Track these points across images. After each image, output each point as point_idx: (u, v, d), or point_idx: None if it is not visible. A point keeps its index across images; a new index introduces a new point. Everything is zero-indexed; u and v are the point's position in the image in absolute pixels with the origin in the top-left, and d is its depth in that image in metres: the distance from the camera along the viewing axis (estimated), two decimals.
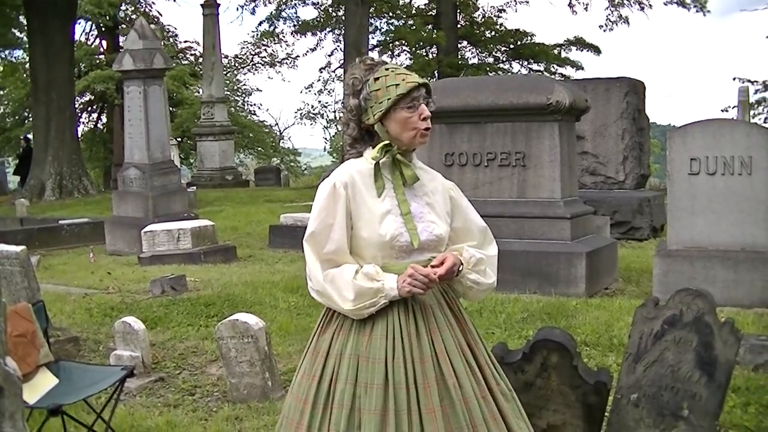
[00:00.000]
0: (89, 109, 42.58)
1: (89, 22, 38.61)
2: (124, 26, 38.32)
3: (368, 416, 3.15)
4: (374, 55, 35.87)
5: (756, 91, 33.29)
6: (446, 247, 3.46)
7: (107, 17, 35.01)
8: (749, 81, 31.73)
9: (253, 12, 36.34)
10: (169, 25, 44.64)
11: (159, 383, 6.72)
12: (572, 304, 8.24)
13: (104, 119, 42.55)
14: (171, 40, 42.75)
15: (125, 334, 6.81)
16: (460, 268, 3.36)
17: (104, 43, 41.09)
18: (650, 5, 34.65)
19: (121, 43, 36.89)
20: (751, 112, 30.89)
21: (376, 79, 3.34)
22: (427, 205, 3.42)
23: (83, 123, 41.36)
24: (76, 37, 33.30)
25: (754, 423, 5.32)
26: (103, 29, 39.61)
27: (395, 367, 3.19)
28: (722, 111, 33.44)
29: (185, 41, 45.45)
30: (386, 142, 3.35)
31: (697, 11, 33.49)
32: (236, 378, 6.19)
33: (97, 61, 39.48)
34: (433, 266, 3.26)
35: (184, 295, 9.09)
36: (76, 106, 32.67)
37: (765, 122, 34.39)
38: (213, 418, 5.88)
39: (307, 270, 3.37)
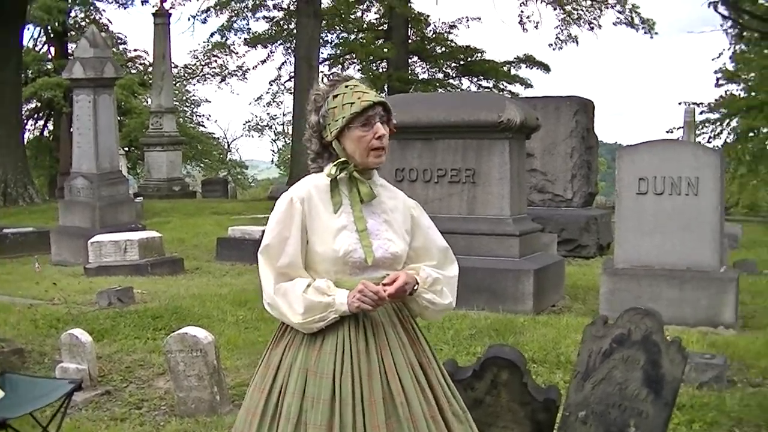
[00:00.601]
0: (35, 116, 42.08)
1: (38, 28, 38.21)
2: (73, 33, 37.95)
3: (313, 430, 3.16)
4: (336, 70, 36.05)
5: (701, 112, 33.81)
6: (404, 266, 3.46)
7: (56, 23, 34.63)
8: (695, 104, 32.24)
9: (204, 21, 36.18)
10: (119, 33, 44.34)
11: (105, 396, 6.63)
12: (520, 321, 8.29)
13: (50, 127, 42.08)
14: (120, 48, 42.42)
15: (72, 346, 6.74)
16: (415, 288, 3.37)
17: (52, 49, 40.66)
18: (599, 25, 35.20)
19: (69, 50, 36.55)
20: (696, 132, 31.33)
21: (335, 96, 3.36)
22: (385, 223, 3.42)
23: (29, 130, 40.90)
24: (24, 42, 32.92)
25: None
26: (52, 35, 39.21)
27: (342, 383, 3.20)
28: (667, 132, 33.89)
29: (135, 49, 45.17)
30: (342, 159, 3.36)
31: (645, 32, 34.05)
32: (184, 392, 6.14)
33: (45, 68, 39.07)
34: (384, 284, 3.27)
35: (131, 307, 9.00)
36: (23, 112, 32.28)
37: (709, 141, 34.89)
38: None
39: (260, 282, 3.37)
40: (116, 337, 8.00)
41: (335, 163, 3.36)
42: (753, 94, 33.76)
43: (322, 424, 3.16)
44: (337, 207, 3.35)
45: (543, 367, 6.82)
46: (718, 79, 35.46)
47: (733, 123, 35.40)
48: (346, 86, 3.38)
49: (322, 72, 29.30)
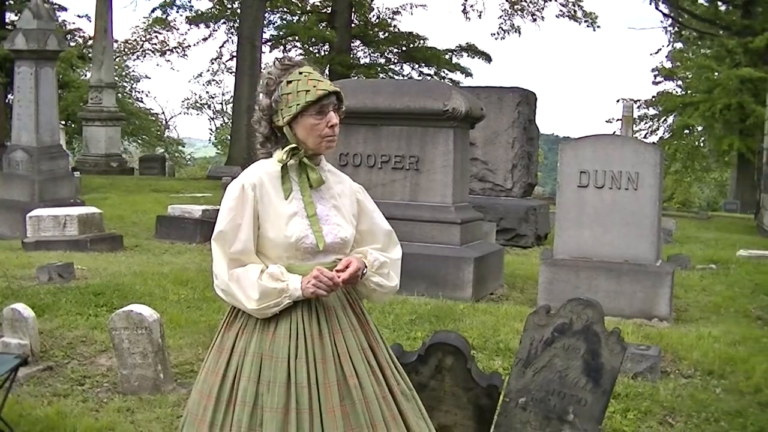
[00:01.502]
0: None
1: None
2: (11, 2, 37.25)
3: (270, 414, 3.21)
4: (278, 51, 35.87)
5: (639, 107, 34.34)
6: (351, 249, 3.53)
7: None
8: (633, 100, 32.73)
9: None
10: (57, 4, 43.53)
11: (47, 372, 6.60)
12: (459, 307, 8.40)
13: None
14: (60, 19, 41.75)
15: (14, 321, 6.69)
16: (364, 271, 3.43)
17: None
18: (542, 17, 35.59)
19: (7, 19, 35.86)
20: (634, 127, 31.85)
21: (289, 82, 3.38)
22: (334, 208, 3.48)
23: None
24: None
25: (633, 428, 5.58)
26: None
27: (297, 367, 3.25)
28: (607, 122, 34.43)
29: (74, 21, 44.52)
30: (293, 145, 3.40)
31: (587, 26, 34.46)
32: (128, 369, 6.15)
33: None
34: (337, 270, 3.32)
35: (72, 283, 8.94)
36: None
37: (646, 137, 35.42)
38: (104, 409, 5.83)
39: (213, 268, 3.40)
40: (57, 312, 7.92)
41: (286, 149, 3.40)
42: (689, 92, 34.34)
43: (278, 407, 3.20)
44: (288, 193, 3.40)
45: (482, 353, 6.93)
46: (655, 76, 36.04)
47: (669, 120, 36.00)
48: (300, 72, 3.40)
49: (263, 53, 29.21)
